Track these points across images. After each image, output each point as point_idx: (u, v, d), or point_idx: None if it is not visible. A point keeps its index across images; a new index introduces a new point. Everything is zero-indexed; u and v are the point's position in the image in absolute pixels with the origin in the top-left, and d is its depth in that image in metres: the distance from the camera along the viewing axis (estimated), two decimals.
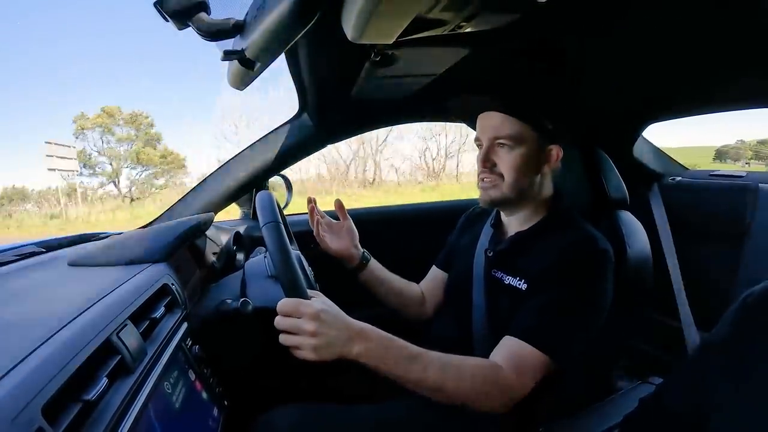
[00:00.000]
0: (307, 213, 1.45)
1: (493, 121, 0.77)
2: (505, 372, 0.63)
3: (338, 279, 0.96)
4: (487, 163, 0.77)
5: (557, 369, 0.68)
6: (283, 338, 0.59)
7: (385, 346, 0.61)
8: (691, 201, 1.41)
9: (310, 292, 0.62)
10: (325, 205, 1.03)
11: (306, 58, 0.75)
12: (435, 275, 1.02)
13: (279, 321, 0.59)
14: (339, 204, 0.97)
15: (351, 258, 0.95)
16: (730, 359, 0.41)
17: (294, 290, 0.60)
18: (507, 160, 0.76)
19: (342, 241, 0.95)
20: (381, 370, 0.61)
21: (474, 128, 0.84)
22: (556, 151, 0.78)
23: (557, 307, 0.68)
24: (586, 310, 0.69)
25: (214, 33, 0.46)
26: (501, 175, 0.77)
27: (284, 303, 0.59)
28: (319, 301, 0.61)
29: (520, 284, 0.74)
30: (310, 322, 0.57)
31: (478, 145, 0.80)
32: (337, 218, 0.99)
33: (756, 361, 0.39)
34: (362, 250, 0.96)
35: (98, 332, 0.48)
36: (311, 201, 0.95)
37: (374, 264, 0.97)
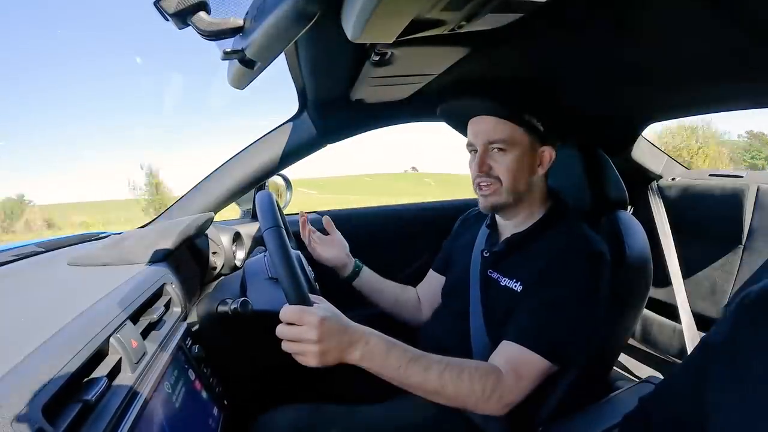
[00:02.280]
0: (307, 213, 1.46)
1: (485, 125, 0.77)
2: (504, 376, 0.64)
3: (338, 282, 0.96)
4: (484, 167, 0.77)
5: (557, 371, 0.68)
6: (286, 346, 0.59)
7: (386, 350, 0.61)
8: (691, 201, 1.41)
9: (312, 297, 0.62)
10: None
11: (306, 58, 0.75)
12: (432, 279, 1.02)
13: (282, 330, 0.59)
14: (327, 221, 1.01)
15: (343, 267, 0.97)
16: (728, 359, 0.41)
17: (296, 297, 0.60)
18: (503, 164, 0.76)
19: (333, 250, 0.98)
20: (382, 374, 0.61)
21: (463, 133, 0.84)
22: (548, 153, 0.78)
23: (553, 310, 0.68)
24: (582, 311, 0.69)
25: (214, 33, 0.46)
26: (498, 179, 0.77)
27: (287, 311, 0.59)
28: (321, 307, 0.61)
29: (515, 286, 0.74)
30: (312, 330, 0.57)
31: (470, 151, 0.80)
32: (325, 231, 1.02)
33: (755, 361, 0.39)
34: (354, 259, 0.99)
35: (98, 332, 0.48)
36: (302, 215, 0.99)
37: (367, 272, 0.99)
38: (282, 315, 0.59)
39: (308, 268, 0.90)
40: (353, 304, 0.67)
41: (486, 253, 0.83)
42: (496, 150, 0.76)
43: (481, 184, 0.78)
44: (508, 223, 0.83)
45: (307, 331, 0.57)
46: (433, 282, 1.01)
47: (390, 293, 1.00)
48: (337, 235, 1.00)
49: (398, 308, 1.00)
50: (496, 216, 0.86)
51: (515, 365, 0.65)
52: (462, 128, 0.84)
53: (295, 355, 0.59)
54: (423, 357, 0.62)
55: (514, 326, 0.69)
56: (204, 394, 0.67)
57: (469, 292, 0.81)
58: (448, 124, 0.91)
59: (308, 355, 0.58)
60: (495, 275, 0.79)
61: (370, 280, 0.99)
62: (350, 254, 0.99)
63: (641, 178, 1.52)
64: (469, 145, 0.81)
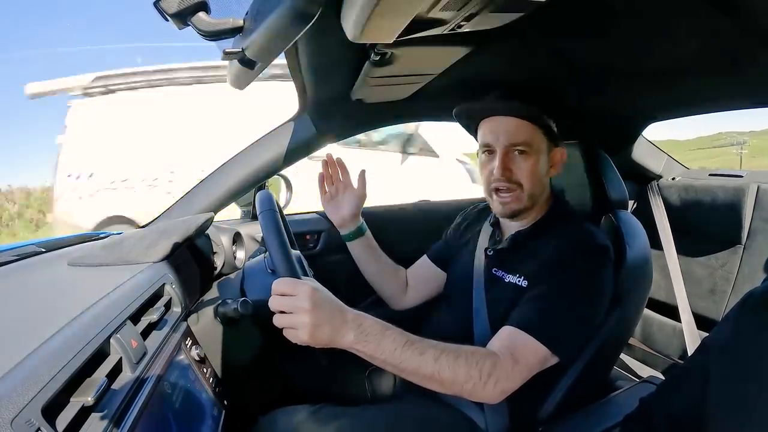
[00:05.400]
0: (306, 213, 1.46)
1: (507, 126, 0.74)
2: (501, 360, 0.62)
3: (338, 282, 0.96)
4: (507, 172, 0.73)
5: (556, 363, 0.67)
6: (278, 319, 0.57)
7: (381, 333, 0.59)
8: (691, 201, 1.40)
9: (304, 278, 0.61)
10: None
11: (306, 58, 0.75)
12: (423, 265, 1.01)
13: (273, 301, 0.57)
14: (362, 174, 0.97)
15: (350, 224, 0.97)
16: (730, 360, 0.41)
17: (287, 271, 0.59)
18: (525, 168, 0.74)
19: (353, 201, 0.96)
20: (376, 358, 0.59)
21: (472, 133, 0.83)
22: (560, 154, 0.78)
23: (556, 299, 0.68)
24: (585, 303, 0.69)
25: (214, 33, 0.46)
26: (519, 184, 0.74)
27: (279, 282, 0.57)
28: (313, 281, 0.60)
29: (520, 281, 0.74)
30: (305, 300, 0.55)
31: (484, 151, 0.78)
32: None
33: (757, 363, 0.39)
34: (362, 220, 0.98)
35: (98, 332, 0.48)
36: (329, 158, 0.96)
37: (368, 237, 0.99)
38: (274, 287, 0.57)
39: (308, 268, 0.90)
40: (354, 306, 0.67)
41: (490, 251, 0.83)
42: (517, 153, 0.74)
43: (501, 189, 0.75)
44: (512, 222, 0.83)
45: (298, 300, 0.55)
46: (424, 268, 1.01)
47: (381, 265, 0.99)
48: (361, 191, 0.97)
49: (383, 282, 1.00)
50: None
51: (513, 349, 0.64)
52: (474, 128, 0.82)
53: (287, 332, 0.57)
54: (419, 341, 0.60)
55: (516, 314, 0.69)
56: (204, 394, 0.67)
57: (473, 290, 0.81)
58: (460, 124, 0.88)
59: (300, 328, 0.55)
60: (500, 273, 0.79)
61: (368, 244, 0.98)
62: (359, 216, 0.98)
63: (641, 178, 1.51)
64: (485, 146, 0.77)
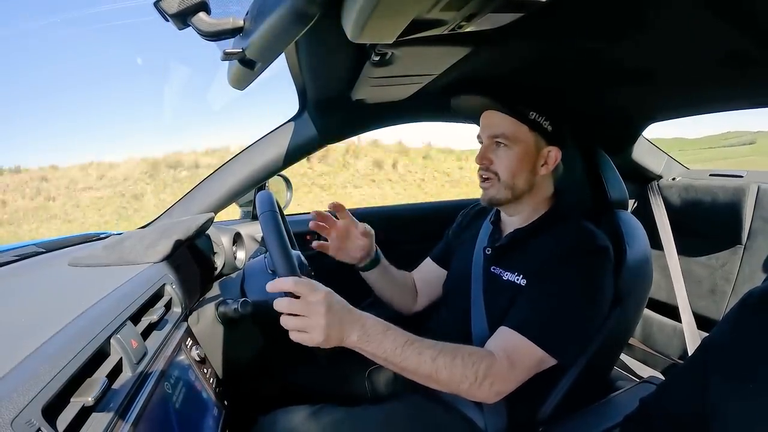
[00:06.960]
0: (306, 213, 1.46)
1: (492, 119, 0.78)
2: (497, 362, 0.63)
3: (338, 282, 0.96)
4: (484, 160, 0.79)
5: (555, 365, 0.67)
6: (286, 321, 0.57)
7: (383, 333, 0.60)
8: (691, 201, 1.40)
9: (304, 279, 0.61)
10: None
11: (306, 58, 0.75)
12: (428, 267, 1.01)
13: (284, 303, 0.56)
14: (339, 206, 0.86)
15: (366, 257, 0.90)
16: (730, 360, 0.41)
17: (288, 271, 0.60)
18: (503, 159, 0.77)
19: (361, 241, 0.89)
20: (378, 357, 0.60)
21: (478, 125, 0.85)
22: (554, 154, 0.78)
23: (554, 301, 0.68)
24: (584, 305, 0.69)
25: (214, 33, 0.46)
26: (496, 174, 0.78)
27: (293, 281, 0.57)
28: (319, 284, 0.60)
29: (518, 279, 0.74)
30: (321, 303, 0.56)
31: (480, 142, 0.82)
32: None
33: (756, 363, 0.39)
34: (374, 249, 0.91)
35: (98, 332, 0.48)
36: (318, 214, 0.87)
37: (383, 264, 0.93)
38: (285, 284, 0.57)
39: (308, 268, 0.90)
40: (353, 305, 0.67)
41: (488, 250, 0.83)
42: (498, 145, 0.78)
43: (482, 177, 0.80)
44: (512, 219, 0.84)
45: (315, 304, 0.56)
46: (430, 270, 1.01)
47: (396, 284, 0.97)
48: (363, 226, 0.88)
49: (398, 298, 0.98)
50: (501, 212, 0.86)
51: (510, 352, 0.64)
52: (476, 122, 0.85)
53: (296, 334, 0.57)
54: (419, 341, 0.62)
55: (514, 315, 0.69)
56: (204, 394, 0.67)
57: (471, 289, 0.81)
58: (462, 118, 0.91)
59: (314, 330, 0.56)
60: (498, 271, 0.79)
61: (384, 269, 0.93)
62: (373, 247, 0.91)
63: (641, 178, 1.51)
64: (478, 136, 0.83)
